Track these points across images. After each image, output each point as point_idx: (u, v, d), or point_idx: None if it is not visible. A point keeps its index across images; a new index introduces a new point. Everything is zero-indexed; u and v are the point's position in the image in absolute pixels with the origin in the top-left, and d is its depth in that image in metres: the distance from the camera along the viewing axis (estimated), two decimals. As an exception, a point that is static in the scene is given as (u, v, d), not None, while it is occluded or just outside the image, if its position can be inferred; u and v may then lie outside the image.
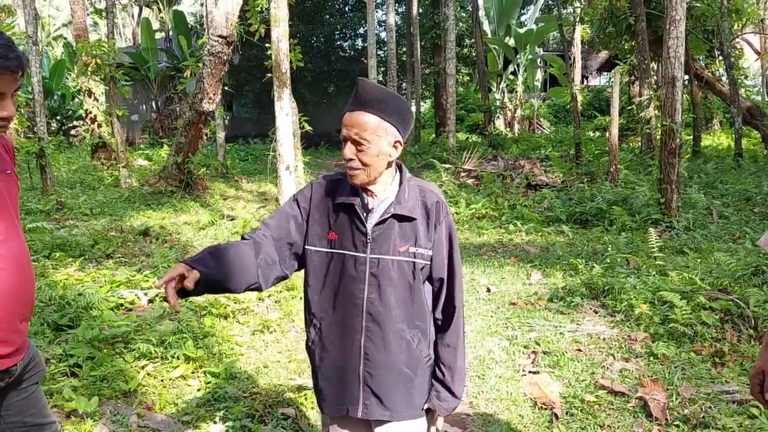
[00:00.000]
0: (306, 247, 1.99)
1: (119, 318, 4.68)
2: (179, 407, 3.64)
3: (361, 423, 2.04)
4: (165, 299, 5.33)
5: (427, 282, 2.01)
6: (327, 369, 2.00)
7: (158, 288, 1.71)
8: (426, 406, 2.04)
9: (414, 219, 1.94)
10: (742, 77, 16.50)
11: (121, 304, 5.12)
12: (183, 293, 1.78)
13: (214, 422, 3.50)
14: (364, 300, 1.92)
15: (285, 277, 2.02)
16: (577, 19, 18.20)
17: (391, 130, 1.87)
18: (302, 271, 2.06)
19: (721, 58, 15.82)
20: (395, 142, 1.90)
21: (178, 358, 4.13)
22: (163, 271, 6.17)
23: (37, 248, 6.63)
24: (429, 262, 1.96)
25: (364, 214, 1.93)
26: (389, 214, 1.91)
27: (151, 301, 5.30)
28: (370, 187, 1.94)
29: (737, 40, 17.64)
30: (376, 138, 1.85)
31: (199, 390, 3.87)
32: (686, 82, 14.96)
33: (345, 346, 1.96)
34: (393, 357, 1.95)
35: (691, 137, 15.92)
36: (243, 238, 1.99)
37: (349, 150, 1.86)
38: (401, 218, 1.93)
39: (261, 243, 1.94)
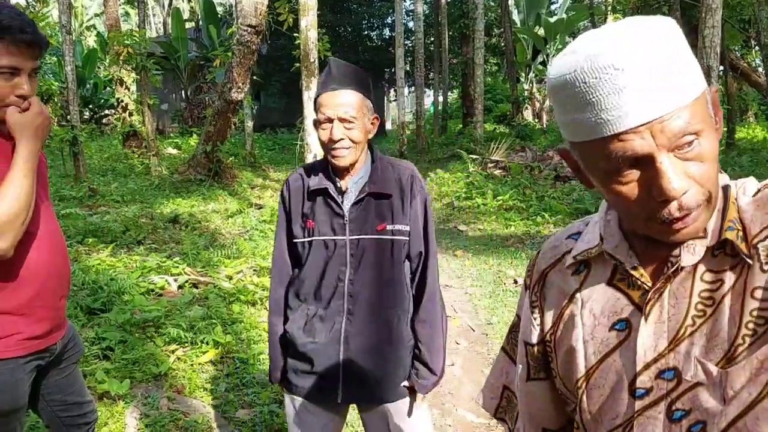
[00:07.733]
0: (293, 240, 2.01)
1: (150, 303, 4.76)
2: (208, 391, 3.69)
3: (336, 405, 2.03)
4: (194, 285, 5.41)
5: (406, 261, 1.99)
6: (309, 352, 1.97)
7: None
8: (406, 384, 2.01)
9: (390, 195, 1.93)
10: (779, 68, 16.06)
11: (152, 290, 5.19)
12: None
13: (242, 407, 3.55)
14: (345, 282, 1.92)
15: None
16: (609, 8, 17.91)
17: (370, 106, 1.92)
18: None
19: (757, 48, 15.46)
20: (374, 118, 1.94)
21: (207, 344, 4.19)
22: (193, 258, 6.25)
23: (71, 233, 6.77)
24: (408, 238, 1.95)
25: (340, 197, 1.93)
26: (365, 193, 1.91)
27: (180, 286, 5.38)
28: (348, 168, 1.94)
29: (775, 29, 17.17)
30: (362, 115, 1.87)
31: (227, 375, 3.93)
32: (721, 73, 14.63)
33: (326, 330, 1.95)
34: (374, 339, 1.94)
35: (726, 129, 15.60)
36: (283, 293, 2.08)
37: (338, 130, 1.84)
38: (378, 196, 1.93)
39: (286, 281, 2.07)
